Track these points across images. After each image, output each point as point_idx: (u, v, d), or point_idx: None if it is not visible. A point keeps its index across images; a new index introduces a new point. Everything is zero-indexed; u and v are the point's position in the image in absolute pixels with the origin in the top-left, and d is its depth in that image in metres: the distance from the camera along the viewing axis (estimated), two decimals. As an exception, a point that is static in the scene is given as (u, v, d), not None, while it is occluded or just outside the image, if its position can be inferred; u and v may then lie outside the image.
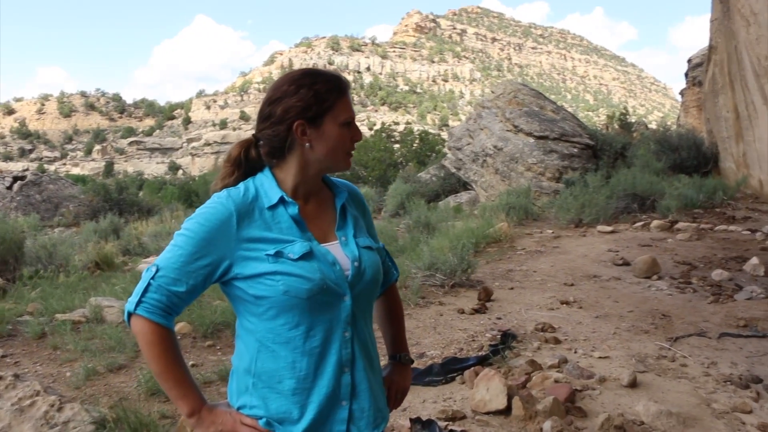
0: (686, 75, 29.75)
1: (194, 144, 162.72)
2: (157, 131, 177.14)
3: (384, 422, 1.65)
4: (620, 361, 4.42)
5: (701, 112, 27.02)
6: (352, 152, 1.60)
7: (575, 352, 4.66)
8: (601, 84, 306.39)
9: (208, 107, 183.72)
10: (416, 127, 47.88)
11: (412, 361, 1.98)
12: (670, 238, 9.49)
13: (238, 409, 1.53)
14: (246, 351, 1.54)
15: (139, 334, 1.47)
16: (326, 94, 1.52)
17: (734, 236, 9.24)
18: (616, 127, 25.02)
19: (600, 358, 4.49)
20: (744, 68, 11.12)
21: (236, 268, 1.47)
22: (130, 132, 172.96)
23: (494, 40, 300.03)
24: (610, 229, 10.68)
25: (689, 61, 29.38)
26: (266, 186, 1.55)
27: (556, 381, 3.91)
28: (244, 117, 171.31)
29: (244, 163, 1.61)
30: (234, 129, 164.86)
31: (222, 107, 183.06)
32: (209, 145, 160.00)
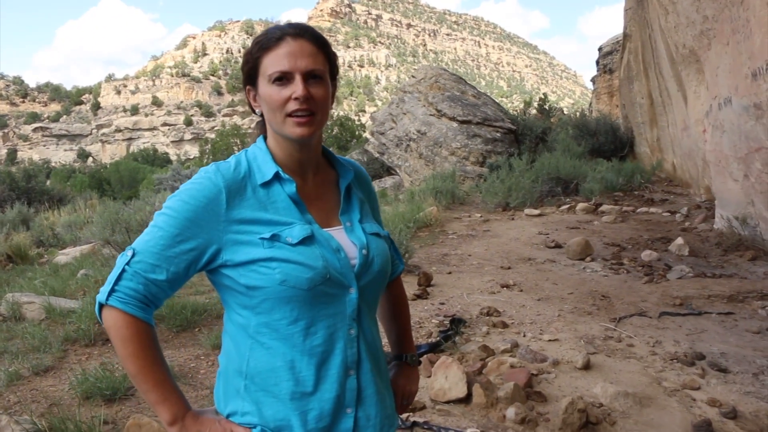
0: (597, 63, 30.82)
1: (104, 130, 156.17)
2: (64, 117, 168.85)
3: (392, 430, 1.48)
4: (570, 343, 4.44)
5: (612, 99, 28.11)
6: (302, 112, 1.30)
7: (524, 336, 4.66)
8: (514, 71, 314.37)
9: (119, 92, 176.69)
10: (334, 113, 47.77)
11: (420, 362, 1.82)
12: (596, 220, 9.75)
13: (228, 416, 1.34)
14: (235, 349, 1.35)
15: (111, 329, 1.26)
16: (254, 50, 1.34)
17: (656, 218, 9.59)
18: (534, 112, 25.64)
19: (550, 341, 4.50)
20: (659, 56, 11.51)
21: (225, 254, 1.29)
22: (34, 118, 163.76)
23: (409, 26, 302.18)
24: (537, 212, 10.88)
25: (600, 49, 30.45)
26: (260, 159, 1.37)
27: (512, 366, 3.88)
28: (156, 102, 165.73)
29: None
30: (146, 115, 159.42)
31: (133, 92, 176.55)
32: (120, 131, 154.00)
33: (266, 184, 1.33)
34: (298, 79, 1.30)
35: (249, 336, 1.31)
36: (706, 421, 3.22)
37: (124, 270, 1.26)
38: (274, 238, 1.27)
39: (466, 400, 3.47)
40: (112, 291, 1.25)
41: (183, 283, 1.32)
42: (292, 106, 1.30)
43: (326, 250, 1.31)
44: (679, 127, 11.23)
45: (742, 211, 7.21)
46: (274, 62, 1.30)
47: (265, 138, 1.42)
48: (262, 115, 1.41)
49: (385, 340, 1.72)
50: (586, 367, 3.94)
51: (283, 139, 1.36)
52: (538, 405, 3.44)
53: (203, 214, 1.27)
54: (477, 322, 5.04)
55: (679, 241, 7.42)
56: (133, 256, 1.26)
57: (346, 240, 1.38)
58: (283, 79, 1.30)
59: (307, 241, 1.29)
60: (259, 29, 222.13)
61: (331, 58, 1.37)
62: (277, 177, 1.34)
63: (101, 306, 1.27)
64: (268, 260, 1.26)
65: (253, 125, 1.51)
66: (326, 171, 1.47)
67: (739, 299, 5.44)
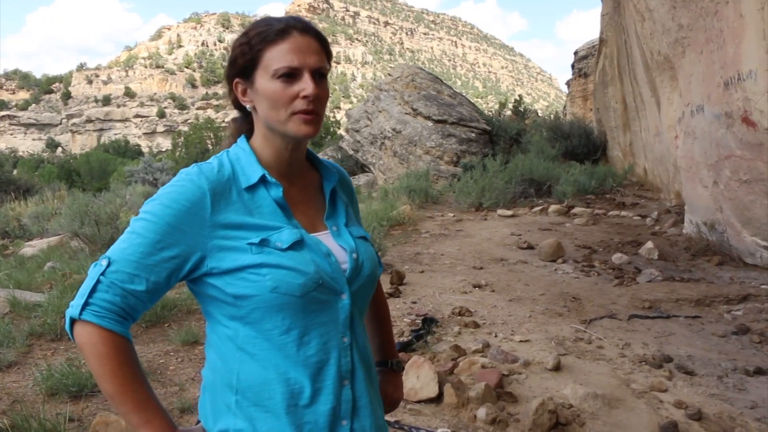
0: (573, 66, 31.13)
1: (75, 120, 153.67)
2: (33, 105, 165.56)
3: None
4: (540, 344, 4.48)
5: (586, 102, 28.41)
6: (310, 112, 1.25)
7: (495, 336, 4.68)
8: (490, 72, 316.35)
9: (90, 82, 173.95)
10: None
11: (403, 368, 1.79)
12: (568, 222, 9.84)
13: None
14: (222, 362, 1.26)
15: (85, 346, 1.16)
16: (254, 41, 1.25)
17: (626, 221, 9.72)
18: (509, 113, 25.79)
19: (521, 341, 4.53)
20: (634, 61, 11.67)
21: (210, 261, 1.21)
22: (1, 105, 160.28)
23: (387, 24, 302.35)
24: (510, 213, 10.95)
25: (576, 53, 30.76)
26: (243, 161, 1.30)
27: (483, 366, 3.89)
28: (129, 93, 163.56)
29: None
30: (118, 106, 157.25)
31: (105, 82, 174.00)
32: (91, 121, 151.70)
33: (251, 188, 1.26)
34: (306, 76, 1.24)
35: (237, 348, 1.24)
36: (672, 423, 3.26)
37: (98, 281, 1.17)
38: (263, 243, 1.21)
39: (438, 399, 3.48)
40: (85, 304, 1.16)
41: (163, 293, 1.25)
42: (300, 104, 1.24)
43: (316, 254, 1.25)
44: (652, 133, 11.40)
45: (710, 217, 7.33)
46: (280, 57, 1.23)
47: (247, 138, 1.35)
48: (244, 112, 1.35)
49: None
50: (557, 368, 3.97)
51: (276, 137, 1.30)
52: (508, 405, 3.46)
53: (186, 218, 1.19)
54: (449, 321, 5.05)
55: (649, 245, 7.52)
56: (108, 265, 1.17)
57: (335, 245, 1.33)
58: (290, 75, 1.24)
59: (297, 246, 1.23)
60: (235, 23, 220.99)
61: (330, 58, 1.33)
62: (262, 180, 1.27)
63: (73, 321, 1.18)
64: (258, 266, 1.19)
65: (227, 119, 1.45)
66: (310, 173, 1.42)
67: (706, 303, 5.54)
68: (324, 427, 1.24)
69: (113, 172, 35.37)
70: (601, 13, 15.60)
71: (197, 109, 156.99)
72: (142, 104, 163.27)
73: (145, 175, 22.57)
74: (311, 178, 1.41)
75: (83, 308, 1.16)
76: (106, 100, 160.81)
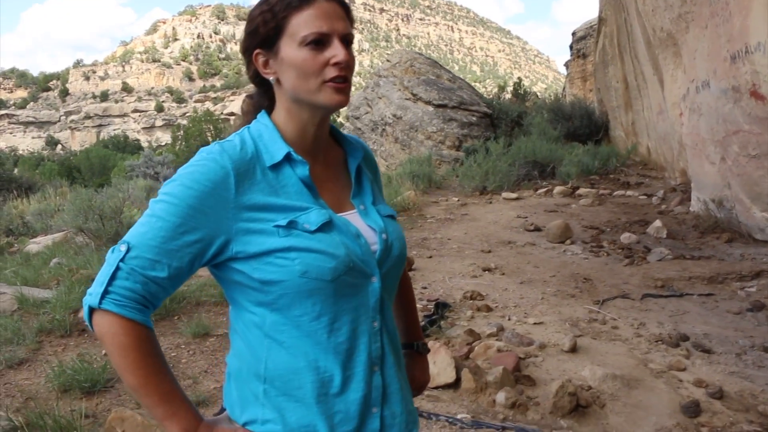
0: (571, 47, 30.90)
1: (73, 117, 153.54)
2: (32, 104, 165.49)
3: (415, 427, 1.36)
4: (555, 326, 4.43)
5: (585, 83, 28.25)
6: (341, 79, 1.17)
7: (509, 319, 4.64)
8: (487, 55, 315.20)
9: (87, 78, 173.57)
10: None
11: (429, 350, 1.72)
12: (573, 203, 9.78)
13: (245, 424, 1.20)
14: (249, 350, 1.20)
15: (106, 336, 1.10)
16: (277, 8, 1.17)
17: (632, 201, 9.66)
18: (508, 96, 25.67)
19: (535, 324, 4.49)
20: (635, 39, 11.55)
21: (235, 245, 1.13)
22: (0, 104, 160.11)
23: (382, 10, 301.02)
24: (514, 195, 10.89)
25: (574, 34, 30.51)
26: (266, 138, 1.21)
27: (499, 350, 3.85)
28: (126, 88, 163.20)
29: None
30: (116, 101, 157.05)
31: (102, 78, 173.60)
32: (90, 118, 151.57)
33: (275, 166, 1.19)
34: (336, 42, 1.17)
35: (265, 335, 1.17)
36: (694, 402, 3.22)
37: (118, 267, 1.09)
38: (291, 225, 1.13)
39: (455, 385, 3.44)
40: (105, 293, 1.09)
41: (186, 279, 1.17)
42: (332, 71, 1.16)
43: (346, 236, 1.18)
44: (655, 111, 11.30)
45: (718, 194, 7.27)
46: (308, 23, 1.15)
47: (268, 113, 1.26)
48: (263, 87, 1.28)
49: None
50: (573, 349, 3.93)
51: (302, 110, 1.22)
52: (527, 389, 3.42)
53: (209, 200, 1.11)
54: (461, 306, 5.01)
55: (657, 223, 7.47)
56: (128, 251, 1.10)
57: (363, 225, 1.25)
58: (320, 42, 1.16)
59: (326, 227, 1.16)
60: (230, 14, 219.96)
61: (353, 23, 1.26)
62: (287, 158, 1.20)
63: (92, 310, 1.10)
64: (286, 250, 1.12)
65: (240, 102, 1.36)
66: (334, 149, 1.34)
67: (719, 281, 5.49)
68: (355, 416, 1.20)
69: (114, 168, 35.29)
70: (600, -9, 15.45)
71: (195, 102, 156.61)
72: (139, 99, 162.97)
73: (146, 170, 22.51)
74: (335, 155, 1.34)
75: (103, 296, 1.09)
76: (104, 96, 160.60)
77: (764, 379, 3.62)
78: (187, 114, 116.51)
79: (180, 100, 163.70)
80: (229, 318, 1.29)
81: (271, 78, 1.22)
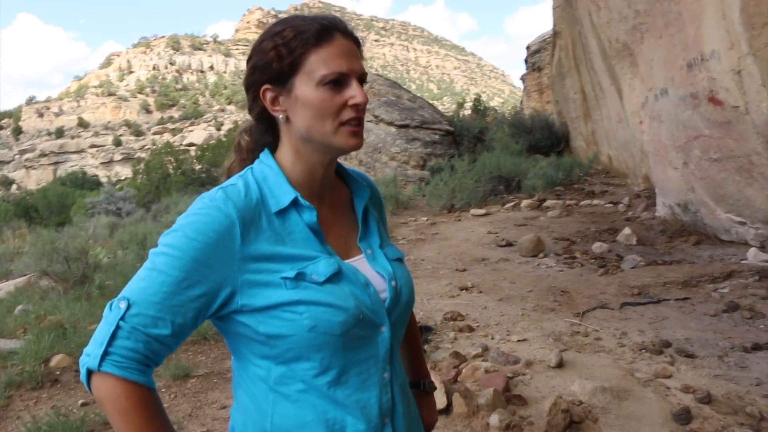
0: (526, 61, 31.47)
1: (28, 155, 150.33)
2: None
3: None
4: (539, 342, 4.43)
5: (542, 96, 28.75)
6: (356, 122, 1.13)
7: (492, 338, 4.62)
8: (443, 73, 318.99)
9: (41, 115, 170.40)
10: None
11: (435, 388, 1.67)
12: (542, 216, 9.87)
13: None
14: (254, 404, 1.14)
15: (107, 400, 1.02)
16: (293, 44, 1.11)
17: (599, 209, 9.79)
18: (468, 112, 25.95)
19: (519, 341, 4.47)
20: (590, 51, 11.79)
21: (241, 298, 1.08)
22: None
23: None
24: (483, 211, 10.95)
25: (528, 48, 31.10)
26: (271, 181, 1.15)
27: (487, 371, 3.82)
28: (82, 124, 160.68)
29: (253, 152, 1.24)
30: (72, 137, 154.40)
31: (57, 114, 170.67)
32: (45, 155, 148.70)
33: (281, 212, 1.13)
34: (354, 83, 1.13)
35: (270, 389, 1.12)
36: (684, 409, 3.23)
37: (118, 326, 1.03)
38: (298, 276, 1.08)
39: (446, 410, 3.39)
40: (105, 354, 1.02)
41: (189, 334, 1.11)
42: (349, 113, 1.12)
43: (355, 286, 1.13)
44: (614, 120, 11.52)
45: (683, 198, 7.40)
46: (327, 62, 1.11)
47: (271, 152, 1.21)
48: (265, 124, 1.22)
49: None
50: (560, 365, 3.92)
51: (312, 152, 1.17)
52: (519, 409, 3.39)
53: (214, 252, 1.05)
54: (442, 328, 4.97)
55: (627, 231, 7.57)
56: (128, 308, 1.03)
57: (371, 271, 1.20)
58: (338, 82, 1.11)
59: (335, 278, 1.11)
60: (185, 44, 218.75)
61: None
62: (294, 203, 1.14)
63: (90, 372, 1.04)
64: (294, 304, 1.07)
65: (238, 132, 1.28)
66: (339, 189, 1.29)
67: (693, 284, 5.56)
68: None
69: (73, 205, 34.56)
70: (553, 6, 15.79)
71: (153, 134, 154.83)
72: (96, 134, 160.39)
73: (107, 206, 22.10)
74: (341, 195, 1.29)
75: (102, 358, 1.02)
76: (60, 133, 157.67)
77: (748, 380, 3.66)
78: (146, 147, 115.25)
79: (138, 132, 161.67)
80: (231, 369, 1.24)
81: (280, 116, 1.16)
